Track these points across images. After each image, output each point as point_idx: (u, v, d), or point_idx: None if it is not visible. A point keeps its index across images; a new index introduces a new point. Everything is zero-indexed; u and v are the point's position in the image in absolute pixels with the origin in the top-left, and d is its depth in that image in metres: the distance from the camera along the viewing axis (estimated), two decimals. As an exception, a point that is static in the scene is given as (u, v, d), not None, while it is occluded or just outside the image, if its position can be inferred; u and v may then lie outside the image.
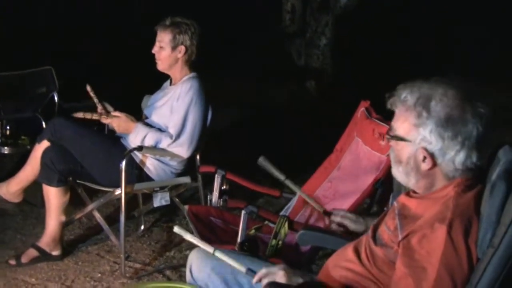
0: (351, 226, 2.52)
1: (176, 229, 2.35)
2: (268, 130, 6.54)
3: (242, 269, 2.14)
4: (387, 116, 3.16)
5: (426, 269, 1.80)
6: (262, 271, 2.07)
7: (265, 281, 2.03)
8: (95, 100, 3.85)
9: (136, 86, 4.41)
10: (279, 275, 2.03)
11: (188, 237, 2.32)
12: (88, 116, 3.81)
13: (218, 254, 2.21)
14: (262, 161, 3.21)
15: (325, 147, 3.65)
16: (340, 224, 2.55)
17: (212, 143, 4.11)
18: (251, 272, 2.10)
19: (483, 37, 8.30)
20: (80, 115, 3.81)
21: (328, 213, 2.77)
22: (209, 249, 2.23)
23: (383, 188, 3.02)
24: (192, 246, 4.04)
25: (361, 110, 3.38)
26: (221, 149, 4.83)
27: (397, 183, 2.93)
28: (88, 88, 3.85)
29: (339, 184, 3.30)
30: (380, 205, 3.10)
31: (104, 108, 3.87)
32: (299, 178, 4.07)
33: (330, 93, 7.36)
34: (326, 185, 3.38)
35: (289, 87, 7.87)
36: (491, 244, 1.76)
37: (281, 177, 3.17)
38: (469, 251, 1.80)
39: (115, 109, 3.92)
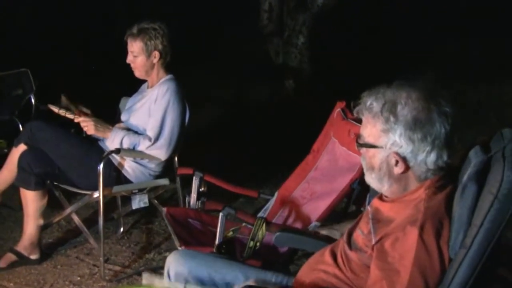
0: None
1: (144, 278, 2.33)
2: (247, 130, 6.56)
3: None
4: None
5: (399, 271, 1.83)
6: None
7: None
8: (71, 107, 3.83)
9: (111, 88, 4.39)
10: None
11: (157, 282, 2.30)
12: (62, 113, 3.78)
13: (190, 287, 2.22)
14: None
15: (304, 147, 3.67)
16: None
17: (191, 144, 4.12)
18: None
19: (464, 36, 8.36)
20: (55, 109, 3.79)
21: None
22: (180, 286, 2.25)
23: (360, 188, 3.04)
24: (171, 248, 4.11)
25: (337, 110, 3.40)
26: (199, 149, 4.83)
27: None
28: (63, 99, 3.84)
29: (316, 185, 3.32)
30: (357, 205, 3.13)
31: (82, 112, 3.86)
32: (278, 178, 4.10)
33: (308, 92, 7.36)
34: (304, 186, 3.39)
35: (268, 86, 7.87)
36: (463, 245, 1.79)
37: None
38: (441, 252, 1.82)
39: (92, 112, 3.91)
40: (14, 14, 7.41)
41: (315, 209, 3.17)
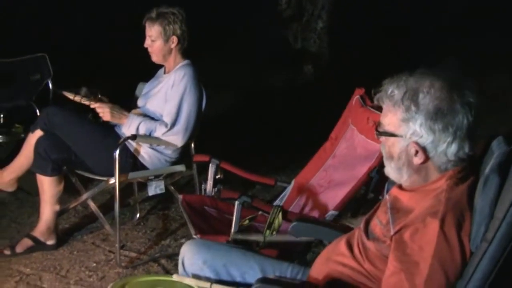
0: None
1: (175, 277, 2.31)
2: (265, 116, 6.51)
3: None
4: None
5: (419, 263, 1.78)
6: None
7: None
8: (79, 99, 3.79)
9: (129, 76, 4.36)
10: None
11: (187, 281, 2.27)
12: (78, 99, 3.76)
13: (216, 287, 2.18)
14: None
15: (322, 134, 3.63)
16: None
17: (207, 130, 4.09)
18: None
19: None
20: (70, 96, 3.76)
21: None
22: (205, 284, 2.19)
23: (378, 177, 2.99)
24: (187, 235, 4.09)
25: (355, 98, 3.35)
26: (216, 136, 4.80)
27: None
28: (83, 90, 3.81)
29: (334, 173, 3.28)
30: (375, 194, 3.08)
31: (98, 99, 3.82)
32: (295, 165, 4.06)
33: (327, 77, 7.30)
34: (321, 174, 3.35)
35: (286, 71, 7.82)
36: (485, 239, 1.74)
37: None
38: (462, 245, 1.77)
39: (109, 98, 3.88)
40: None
41: (333, 197, 3.13)
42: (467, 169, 1.90)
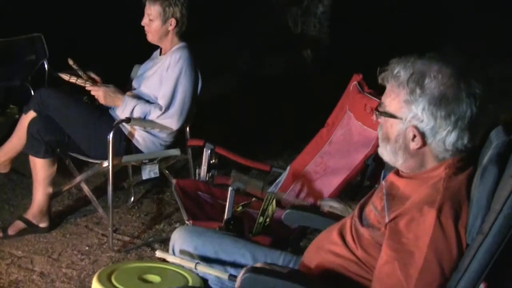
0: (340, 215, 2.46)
1: (158, 253, 2.27)
2: (262, 101, 6.46)
3: (225, 276, 2.06)
4: (381, 90, 3.10)
5: (413, 253, 1.74)
6: (242, 272, 1.98)
7: None
8: (80, 73, 3.75)
9: (123, 55, 4.30)
10: None
11: (170, 258, 2.23)
12: (73, 80, 3.71)
13: (200, 267, 2.13)
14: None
15: (319, 120, 3.58)
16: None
17: (203, 115, 4.04)
18: (233, 277, 2.02)
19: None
20: (66, 77, 3.71)
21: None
22: (191, 264, 2.15)
23: (374, 165, 2.95)
24: (181, 219, 4.06)
25: (353, 84, 3.30)
26: (212, 121, 4.75)
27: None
28: (71, 62, 3.76)
29: (330, 159, 3.24)
30: (371, 181, 3.04)
31: (90, 78, 3.78)
32: (291, 151, 4.02)
33: (326, 62, 7.24)
34: (317, 160, 3.31)
35: (285, 55, 7.75)
36: (481, 231, 1.70)
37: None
38: (459, 236, 1.73)
39: (102, 80, 3.83)
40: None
41: (328, 184, 3.09)
42: (466, 159, 1.85)
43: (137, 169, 4.25)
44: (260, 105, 6.28)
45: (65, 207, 4.17)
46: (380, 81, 1.93)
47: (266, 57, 7.66)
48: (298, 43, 7.62)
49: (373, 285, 1.84)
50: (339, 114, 3.35)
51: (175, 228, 3.91)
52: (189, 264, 2.16)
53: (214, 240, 2.30)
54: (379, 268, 1.83)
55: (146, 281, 2.23)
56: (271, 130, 5.61)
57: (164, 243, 3.76)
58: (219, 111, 5.64)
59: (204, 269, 2.14)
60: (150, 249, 3.71)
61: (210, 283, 2.23)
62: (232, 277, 2.02)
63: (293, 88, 6.83)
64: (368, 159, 2.96)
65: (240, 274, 1.86)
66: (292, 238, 2.91)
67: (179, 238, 2.33)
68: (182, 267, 2.26)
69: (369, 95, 3.13)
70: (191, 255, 2.27)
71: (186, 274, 2.24)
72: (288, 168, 3.42)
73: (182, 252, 2.28)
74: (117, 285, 2.16)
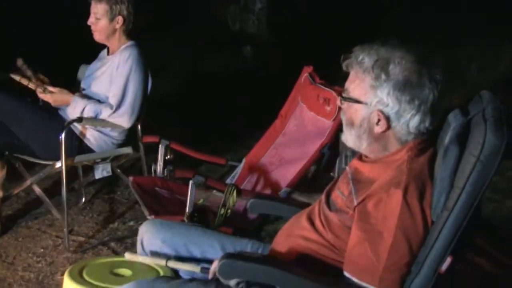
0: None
1: (127, 256, 2.28)
2: (207, 98, 6.49)
3: (197, 269, 2.10)
4: (332, 81, 3.19)
5: (382, 233, 1.81)
6: (214, 264, 2.01)
7: None
8: (28, 73, 3.71)
9: (68, 55, 4.26)
10: None
11: (140, 259, 2.26)
12: (25, 82, 3.67)
13: (171, 264, 2.16)
14: None
15: (266, 113, 3.64)
16: None
17: (152, 113, 4.04)
18: (206, 270, 2.06)
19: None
20: (17, 77, 3.67)
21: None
22: (162, 261, 2.18)
23: (330, 153, 3.03)
24: (135, 217, 4.06)
25: (304, 75, 3.37)
26: (161, 118, 4.74)
27: (342, 148, 2.97)
28: (19, 62, 3.72)
29: (284, 150, 3.30)
30: (326, 170, 3.12)
31: (40, 79, 3.74)
32: (243, 145, 4.06)
33: (266, 58, 7.32)
34: (272, 152, 3.37)
35: (225, 53, 7.79)
36: (446, 207, 1.78)
37: None
38: (424, 215, 1.81)
39: (50, 80, 3.79)
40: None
41: (285, 175, 3.15)
42: (426, 142, 1.94)
43: (86, 170, 4.25)
44: (205, 102, 6.32)
45: (15, 210, 4.12)
46: (344, 68, 1.99)
47: (205, 55, 7.69)
48: (237, 40, 7.68)
49: (345, 266, 1.91)
50: (292, 105, 3.42)
51: (129, 226, 3.96)
52: (160, 261, 2.19)
53: (182, 232, 2.33)
54: (350, 249, 1.90)
55: (117, 275, 2.25)
56: (219, 127, 5.65)
57: (120, 242, 3.77)
58: (166, 110, 5.64)
59: (175, 265, 2.18)
60: (106, 248, 3.70)
61: (181, 273, 2.26)
62: (205, 270, 2.06)
63: (235, 84, 6.89)
64: (323, 148, 3.04)
65: (216, 261, 1.90)
66: (251, 229, 2.96)
67: (147, 232, 2.35)
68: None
69: (321, 86, 3.20)
70: (159, 248, 2.29)
71: (157, 267, 2.27)
72: (244, 160, 3.48)
73: (152, 245, 2.30)
74: (89, 280, 2.17)
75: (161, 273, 2.23)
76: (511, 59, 6.99)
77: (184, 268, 2.17)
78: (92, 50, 4.00)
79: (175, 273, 2.27)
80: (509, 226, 4.07)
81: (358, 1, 8.19)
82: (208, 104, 6.28)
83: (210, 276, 2.02)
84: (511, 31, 6.93)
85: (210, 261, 2.21)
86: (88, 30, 3.75)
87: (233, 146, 5.03)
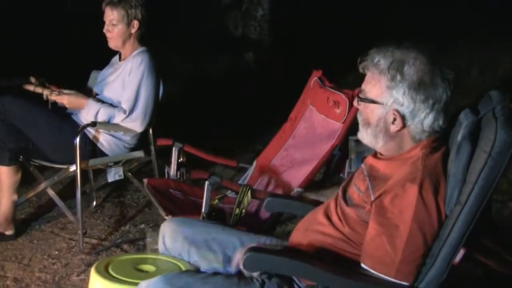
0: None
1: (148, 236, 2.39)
2: (210, 103, 6.58)
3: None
4: (340, 85, 3.29)
5: (399, 226, 1.91)
6: (237, 257, 2.11)
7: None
8: (41, 90, 3.80)
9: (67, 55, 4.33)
10: None
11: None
12: (39, 90, 3.77)
13: None
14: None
15: (271, 117, 3.71)
16: None
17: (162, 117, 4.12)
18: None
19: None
20: (30, 88, 3.76)
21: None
22: None
23: (340, 154, 3.12)
24: (146, 220, 4.14)
25: (313, 79, 3.46)
26: (170, 123, 4.83)
27: (353, 149, 3.07)
28: (32, 79, 3.82)
29: (295, 152, 3.39)
30: (336, 171, 3.21)
31: (53, 91, 3.83)
32: (251, 149, 4.13)
33: (268, 64, 7.41)
34: (283, 154, 3.46)
35: (227, 58, 7.88)
36: (458, 202, 1.88)
37: None
38: (439, 209, 1.91)
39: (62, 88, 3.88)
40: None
41: (296, 176, 3.23)
42: (439, 140, 2.04)
43: (97, 174, 4.33)
44: (209, 107, 6.40)
45: (28, 214, 4.20)
46: (360, 70, 2.10)
47: (209, 60, 7.76)
48: (239, 46, 7.76)
49: (363, 259, 2.00)
50: (301, 108, 3.51)
51: (140, 229, 4.04)
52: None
53: (203, 229, 2.41)
54: (367, 242, 1.99)
55: (141, 271, 2.34)
56: (224, 132, 5.73)
57: (133, 244, 3.85)
58: (173, 114, 5.72)
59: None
60: (119, 249, 3.77)
61: (202, 270, 2.35)
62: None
63: (238, 90, 6.98)
64: (334, 149, 3.13)
65: (239, 253, 1.99)
66: (264, 229, 3.04)
67: (168, 229, 2.44)
68: (173, 257, 2.38)
69: (331, 89, 3.29)
70: (181, 245, 2.38)
71: (178, 263, 2.35)
72: (255, 162, 3.56)
73: (174, 242, 2.39)
74: (115, 275, 2.25)
75: (183, 269, 2.31)
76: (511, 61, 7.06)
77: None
78: (93, 53, 4.08)
79: (196, 268, 2.35)
80: (511, 227, 4.16)
81: (358, 2, 8.25)
82: (211, 108, 6.36)
83: (233, 268, 2.11)
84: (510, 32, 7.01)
85: (230, 258, 2.31)
86: (87, 32, 3.82)
87: (240, 150, 5.11)
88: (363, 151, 3.23)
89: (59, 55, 6.36)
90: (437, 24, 7.68)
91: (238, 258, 2.06)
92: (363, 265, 1.99)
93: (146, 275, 2.28)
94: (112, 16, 3.73)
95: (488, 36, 7.20)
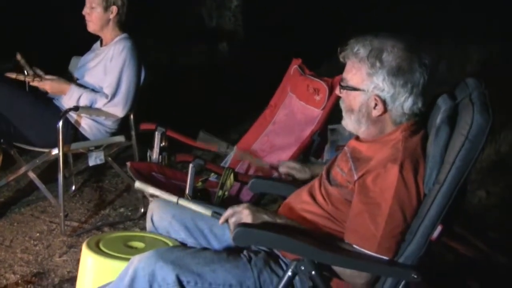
0: (297, 175, 2.71)
1: (137, 184, 2.43)
2: (184, 92, 6.64)
3: (208, 212, 2.27)
4: (319, 73, 3.40)
5: (380, 204, 2.02)
6: (228, 211, 2.20)
7: (232, 220, 2.16)
8: (27, 68, 3.85)
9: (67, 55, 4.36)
10: (245, 214, 2.15)
11: (151, 190, 2.40)
12: (21, 77, 3.80)
13: (182, 202, 2.32)
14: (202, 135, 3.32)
15: (246, 106, 3.79)
16: (287, 174, 2.74)
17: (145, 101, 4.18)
18: (217, 214, 2.24)
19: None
20: (12, 75, 3.80)
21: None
22: (173, 198, 2.33)
23: (320, 140, 3.23)
24: (125, 205, 4.20)
25: (293, 67, 3.56)
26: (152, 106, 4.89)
27: (331, 135, 3.18)
28: (18, 57, 3.85)
29: (275, 138, 3.49)
30: (315, 156, 3.31)
31: (36, 73, 3.87)
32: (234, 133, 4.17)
33: (242, 54, 7.49)
34: (263, 139, 3.55)
35: (200, 48, 7.94)
36: (437, 181, 2.00)
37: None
38: (418, 188, 2.03)
39: (46, 73, 3.92)
40: None
41: (276, 160, 3.32)
42: (418, 123, 2.16)
43: (76, 159, 4.38)
44: (183, 97, 6.46)
45: (6, 198, 4.24)
46: (341, 59, 2.21)
47: (183, 50, 7.81)
48: (213, 36, 7.82)
49: (346, 235, 2.11)
50: (281, 95, 3.61)
51: (120, 212, 4.12)
52: (171, 198, 2.32)
53: (190, 208, 2.50)
54: (350, 219, 2.11)
55: (131, 247, 2.42)
56: (201, 120, 5.79)
57: (113, 227, 3.93)
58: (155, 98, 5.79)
59: (186, 204, 2.31)
60: (100, 232, 3.84)
61: (190, 245, 2.44)
62: (216, 214, 2.24)
63: (213, 80, 7.05)
64: (314, 134, 3.23)
65: (229, 209, 2.15)
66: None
67: (156, 208, 2.52)
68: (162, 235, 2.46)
69: (311, 77, 3.40)
70: (169, 222, 2.47)
71: (166, 240, 2.44)
72: (235, 148, 3.64)
73: (162, 220, 2.48)
74: (106, 250, 2.33)
75: (171, 245, 2.40)
76: (477, 60, 7.24)
77: (195, 209, 2.30)
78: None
79: (184, 245, 2.44)
80: (479, 214, 4.32)
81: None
82: (185, 99, 6.42)
83: (220, 221, 2.19)
84: (479, 31, 7.20)
85: (217, 235, 2.41)
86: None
87: (224, 136, 5.18)
88: (336, 140, 3.35)
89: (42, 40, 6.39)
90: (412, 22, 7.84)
91: (227, 213, 2.16)
92: (346, 241, 2.10)
93: (136, 250, 2.37)
94: None
95: (456, 34, 7.39)
